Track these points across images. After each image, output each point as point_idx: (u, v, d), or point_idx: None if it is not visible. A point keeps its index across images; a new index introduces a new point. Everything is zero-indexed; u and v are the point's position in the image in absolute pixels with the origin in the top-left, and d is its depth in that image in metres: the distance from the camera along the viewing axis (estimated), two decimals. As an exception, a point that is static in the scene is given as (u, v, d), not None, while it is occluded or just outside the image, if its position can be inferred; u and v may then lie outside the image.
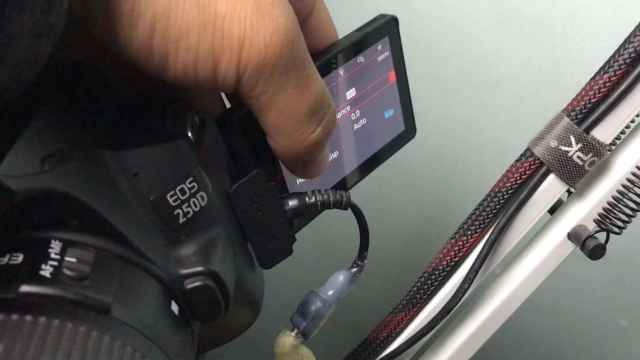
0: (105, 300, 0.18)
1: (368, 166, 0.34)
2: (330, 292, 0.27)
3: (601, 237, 0.28)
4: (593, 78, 0.26)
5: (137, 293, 0.19)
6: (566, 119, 0.26)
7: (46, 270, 0.17)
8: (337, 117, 0.31)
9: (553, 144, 0.27)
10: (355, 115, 0.32)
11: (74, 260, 0.18)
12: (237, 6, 0.20)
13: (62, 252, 0.18)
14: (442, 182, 0.71)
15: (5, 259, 0.18)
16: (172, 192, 0.21)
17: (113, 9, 0.19)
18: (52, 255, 0.18)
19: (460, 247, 0.29)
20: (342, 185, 0.32)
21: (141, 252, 0.20)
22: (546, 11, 0.56)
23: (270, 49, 0.20)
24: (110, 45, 0.20)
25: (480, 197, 0.29)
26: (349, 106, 0.32)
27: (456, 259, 0.29)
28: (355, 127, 0.32)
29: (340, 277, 0.28)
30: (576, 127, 0.26)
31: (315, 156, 0.25)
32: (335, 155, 0.32)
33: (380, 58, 0.32)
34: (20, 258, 0.18)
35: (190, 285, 0.21)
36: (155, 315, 0.19)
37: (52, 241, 0.18)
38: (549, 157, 0.27)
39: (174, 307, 0.21)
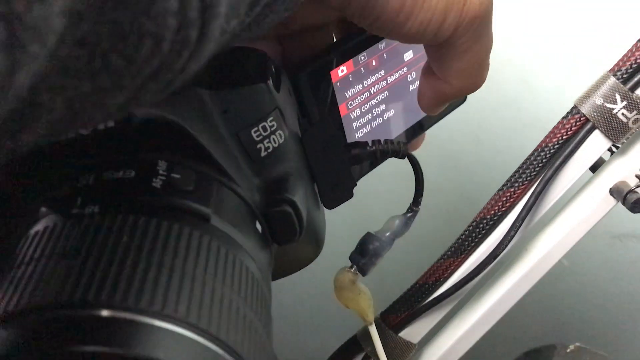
0: (205, 210, 0.21)
1: (418, 128, 0.36)
2: (387, 234, 0.30)
3: (642, 193, 0.30)
4: (639, 39, 0.28)
5: (230, 209, 0.22)
6: (612, 78, 0.28)
7: (157, 183, 0.20)
8: (395, 77, 0.34)
9: (599, 101, 0.29)
10: (411, 76, 0.34)
11: (178, 176, 0.21)
12: None
13: (169, 170, 0.21)
14: (483, 164, 0.73)
15: (120, 173, 0.21)
16: (256, 128, 0.24)
17: None
18: (160, 172, 0.21)
19: (508, 197, 0.31)
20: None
21: (231, 177, 0.23)
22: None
23: (483, 6, 0.22)
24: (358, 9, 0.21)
25: None
26: (406, 67, 0.34)
27: (503, 209, 0.31)
28: (411, 87, 0.35)
29: (396, 221, 0.30)
30: (622, 85, 0.28)
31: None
32: (391, 113, 0.34)
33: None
34: (133, 173, 0.21)
35: (271, 209, 0.24)
36: (244, 229, 0.22)
37: (159, 161, 0.21)
38: (595, 114, 0.29)
39: (258, 227, 0.23)
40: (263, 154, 0.25)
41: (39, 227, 0.20)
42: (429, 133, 0.37)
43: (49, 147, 0.20)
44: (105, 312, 0.16)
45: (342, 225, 0.59)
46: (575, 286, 0.73)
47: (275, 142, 0.25)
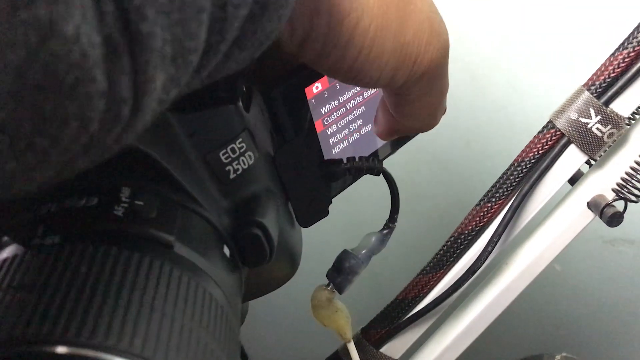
0: (168, 238, 0.20)
1: (401, 138, 0.36)
2: (363, 251, 0.30)
3: (620, 206, 0.30)
4: (613, 54, 0.28)
5: (196, 234, 0.22)
6: (586, 93, 0.28)
7: (118, 211, 0.20)
8: (372, 91, 0.33)
9: (573, 116, 0.28)
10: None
11: (141, 203, 0.21)
12: (421, 32, 0.22)
13: (132, 197, 0.21)
14: (473, 168, 0.73)
15: (83, 202, 0.21)
16: (224, 150, 0.24)
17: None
18: (123, 199, 0.21)
19: (485, 212, 0.31)
20: (375, 157, 0.35)
21: (198, 201, 0.23)
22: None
23: (434, 63, 0.23)
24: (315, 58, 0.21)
25: None
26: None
27: (481, 224, 0.31)
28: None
29: (373, 238, 0.30)
30: (595, 100, 0.28)
31: None
32: (368, 128, 0.34)
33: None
34: (95, 200, 0.21)
35: (239, 232, 0.24)
36: (211, 254, 0.22)
37: (123, 188, 0.21)
38: (570, 128, 0.29)
39: (226, 251, 0.23)
40: (232, 176, 0.24)
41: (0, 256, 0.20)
42: (417, 137, 0.37)
43: None
44: (58, 349, 0.16)
45: (318, 243, 0.59)
46: (567, 291, 0.73)
47: (244, 164, 0.25)
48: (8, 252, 0.19)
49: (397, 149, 0.36)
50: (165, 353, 0.17)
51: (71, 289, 0.17)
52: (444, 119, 0.39)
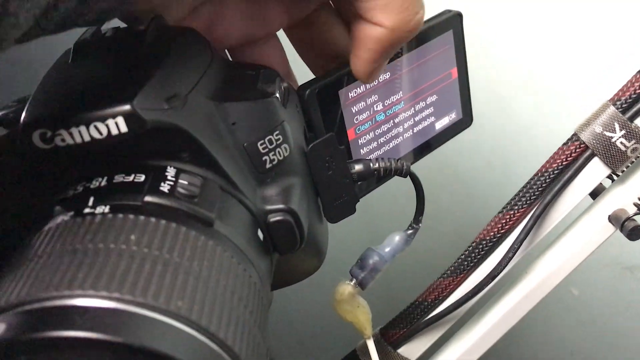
0: (210, 215, 0.22)
1: (424, 149, 0.37)
2: (387, 250, 0.31)
3: (640, 221, 0.31)
4: (639, 71, 0.29)
5: (233, 216, 0.23)
6: (612, 108, 0.29)
7: (165, 187, 0.22)
8: (400, 107, 0.35)
9: (598, 129, 0.29)
10: (415, 108, 0.35)
11: (185, 182, 0.22)
12: None
13: (177, 176, 0.22)
14: (493, 188, 0.74)
15: (131, 178, 0.22)
16: (262, 141, 0.25)
17: None
18: (169, 177, 0.22)
19: (507, 220, 0.32)
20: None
21: (236, 186, 0.24)
22: (611, 20, 0.58)
23: None
24: None
25: None
26: (410, 98, 0.35)
27: (503, 231, 0.32)
28: (415, 118, 0.36)
29: (397, 237, 0.31)
30: (621, 115, 0.29)
31: (405, 41, 0.25)
32: (399, 140, 0.35)
33: (443, 52, 0.36)
34: (142, 177, 0.22)
35: (273, 219, 0.25)
36: (247, 236, 0.23)
37: (168, 167, 0.23)
38: (594, 141, 0.30)
39: (260, 235, 0.24)
40: (268, 165, 0.26)
41: (52, 224, 0.21)
42: (441, 156, 0.38)
43: (65, 154, 0.21)
44: (105, 303, 0.17)
45: (344, 239, 0.60)
46: (584, 317, 0.73)
47: (280, 155, 0.26)
48: (60, 219, 0.21)
49: (419, 159, 0.37)
50: (209, 318, 0.18)
51: (123, 257, 0.19)
52: (467, 137, 0.40)
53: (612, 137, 0.29)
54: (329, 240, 0.31)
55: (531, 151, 0.69)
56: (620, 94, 0.29)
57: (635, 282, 0.69)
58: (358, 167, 0.30)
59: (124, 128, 0.21)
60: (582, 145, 0.30)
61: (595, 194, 0.32)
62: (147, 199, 0.21)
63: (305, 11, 0.29)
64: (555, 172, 0.31)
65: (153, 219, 0.20)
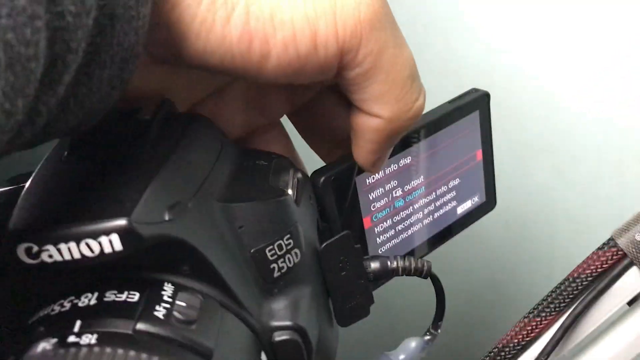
0: (208, 345, 0.19)
1: (444, 235, 0.35)
2: (402, 357, 0.28)
3: (680, 335, 0.28)
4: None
5: (234, 340, 0.21)
6: (654, 215, 0.27)
7: (160, 312, 0.19)
8: (420, 192, 0.32)
9: (638, 237, 0.27)
10: (436, 193, 0.33)
11: (183, 304, 0.20)
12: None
13: (174, 295, 0.20)
14: (508, 249, 0.71)
15: (124, 296, 0.20)
16: (271, 246, 0.23)
17: (187, 16, 0.19)
18: (165, 298, 0.20)
19: (534, 327, 0.29)
20: (416, 252, 0.34)
21: (239, 301, 0.22)
22: (635, 88, 0.56)
23: (363, 5, 0.20)
24: (196, 58, 0.20)
25: (545, 268, 0.29)
26: (432, 182, 0.33)
27: (528, 339, 0.29)
28: (436, 204, 0.33)
29: (413, 344, 0.29)
30: (664, 224, 0.26)
31: (405, 130, 0.24)
32: (417, 227, 0.33)
33: (468, 133, 0.34)
34: (136, 297, 0.20)
35: (278, 338, 0.22)
36: (248, 362, 0.21)
37: (165, 284, 0.20)
38: (634, 249, 0.27)
39: (263, 358, 0.22)
40: (276, 274, 0.23)
41: (32, 352, 0.19)
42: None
43: (54, 270, 0.19)
44: None
45: (355, 343, 0.57)
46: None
47: (290, 262, 0.24)
48: (42, 347, 0.19)
49: (439, 245, 0.35)
50: None
51: None
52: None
53: (653, 248, 0.27)
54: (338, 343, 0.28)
55: (549, 214, 0.66)
56: (664, 201, 0.27)
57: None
58: (374, 265, 0.28)
59: (118, 246, 0.19)
60: (620, 252, 0.28)
61: (633, 300, 0.30)
62: (139, 326, 0.19)
63: (308, 96, 0.28)
64: (589, 278, 0.28)
65: (144, 356, 0.18)
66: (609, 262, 0.28)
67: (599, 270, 0.28)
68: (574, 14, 0.56)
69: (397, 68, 0.22)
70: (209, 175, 0.23)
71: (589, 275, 0.28)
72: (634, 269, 0.28)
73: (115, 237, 0.19)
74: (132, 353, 0.18)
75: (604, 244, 0.29)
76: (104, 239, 0.19)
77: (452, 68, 0.63)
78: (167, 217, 0.20)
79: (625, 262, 0.28)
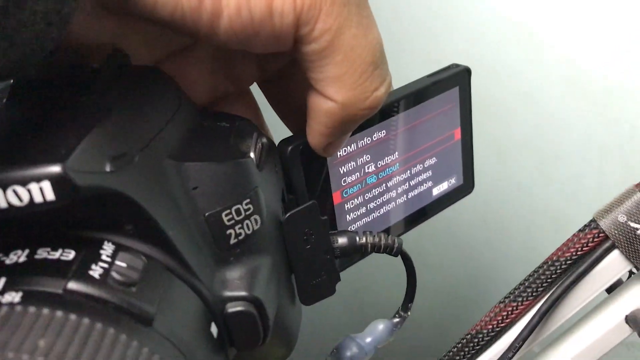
0: (149, 310, 0.17)
1: (418, 217, 0.33)
2: (368, 340, 0.26)
3: (661, 324, 0.27)
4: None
5: (180, 308, 0.19)
6: (638, 194, 0.25)
7: (95, 271, 0.17)
8: (394, 169, 0.31)
9: (622, 218, 0.26)
10: (411, 171, 0.32)
11: (124, 265, 0.18)
12: None
13: (114, 255, 0.18)
14: (487, 246, 0.70)
15: (57, 254, 0.18)
16: (228, 211, 0.21)
17: None
18: (103, 257, 0.18)
19: (509, 312, 0.27)
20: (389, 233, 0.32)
21: (189, 267, 0.20)
22: (617, 83, 0.55)
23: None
24: (146, 9, 0.19)
25: (523, 265, 0.28)
26: (407, 159, 0.31)
27: (503, 324, 0.28)
28: (410, 183, 0.32)
29: (381, 326, 0.27)
30: (649, 204, 0.25)
31: (361, 119, 0.22)
32: (391, 205, 0.31)
33: (446, 110, 0.32)
34: (71, 255, 0.18)
35: (232, 309, 0.20)
36: (194, 334, 0.19)
37: (105, 242, 0.18)
38: (616, 232, 0.26)
39: (213, 329, 0.20)
40: (232, 241, 0.21)
41: None
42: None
43: None
44: None
45: (319, 324, 0.55)
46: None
47: (248, 229, 0.22)
48: None
49: (412, 227, 0.33)
50: None
51: None
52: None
53: (637, 229, 0.25)
54: (301, 323, 0.27)
55: (529, 211, 0.65)
56: (649, 180, 0.25)
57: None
58: (342, 240, 0.26)
59: (50, 196, 0.17)
60: (601, 235, 0.26)
61: (611, 288, 0.28)
62: (71, 286, 0.17)
63: (278, 65, 0.26)
64: (568, 262, 0.27)
65: (73, 316, 0.16)
66: (590, 244, 0.26)
67: (579, 253, 0.26)
68: (558, 10, 0.55)
69: (358, 51, 0.20)
70: (162, 131, 0.21)
71: (568, 258, 0.27)
72: (615, 252, 0.26)
73: (46, 185, 0.17)
74: (59, 313, 0.16)
75: (585, 225, 0.27)
76: (34, 187, 0.17)
77: (434, 59, 0.61)
78: (108, 168, 0.18)
79: (607, 244, 0.26)
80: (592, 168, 0.60)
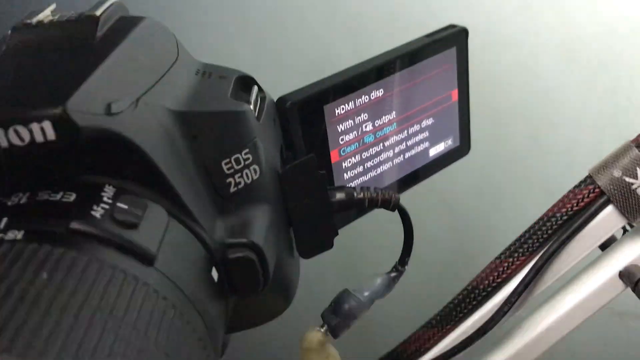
0: (150, 250, 0.17)
1: (414, 177, 0.33)
2: (366, 294, 0.27)
3: (654, 280, 0.27)
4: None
5: (182, 251, 0.19)
6: (635, 151, 0.26)
7: (97, 212, 0.17)
8: (391, 129, 0.31)
9: (617, 173, 0.26)
10: (408, 131, 0.32)
11: (125, 206, 0.18)
12: None
13: (115, 197, 0.18)
14: (482, 216, 0.70)
15: (59, 196, 0.18)
16: (228, 159, 0.21)
17: None
18: (105, 199, 0.18)
19: (505, 268, 0.28)
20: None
21: (190, 213, 0.20)
22: (614, 53, 0.55)
23: None
24: None
25: (516, 235, 0.28)
26: (404, 119, 0.31)
27: (499, 279, 0.28)
28: (407, 143, 0.32)
29: (378, 280, 0.27)
30: (644, 159, 0.25)
31: None
32: (387, 166, 0.31)
33: (444, 71, 0.32)
34: (72, 197, 0.18)
35: (232, 255, 0.21)
36: (195, 276, 0.19)
37: (106, 186, 0.18)
38: (611, 187, 0.26)
39: (214, 274, 0.20)
40: (232, 189, 0.22)
41: None
42: (429, 180, 0.34)
43: None
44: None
45: (317, 277, 0.56)
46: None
47: (248, 178, 0.22)
48: None
49: (408, 187, 0.33)
50: None
51: (25, 299, 0.15)
52: (458, 166, 0.36)
53: (632, 184, 0.26)
54: (300, 277, 0.27)
55: (524, 181, 0.66)
56: (645, 135, 0.26)
57: (623, 329, 0.66)
58: (339, 195, 0.26)
59: (51, 135, 0.17)
60: (596, 190, 0.26)
61: (604, 245, 0.28)
62: (73, 225, 0.17)
63: None
64: (564, 217, 0.27)
65: (73, 253, 0.16)
66: (585, 199, 0.26)
67: (574, 208, 0.27)
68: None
69: None
70: (162, 78, 0.21)
71: (564, 214, 0.27)
72: (609, 207, 0.27)
73: (47, 125, 0.17)
74: (59, 250, 0.16)
75: (580, 182, 0.27)
76: (35, 126, 0.17)
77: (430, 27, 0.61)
78: (108, 111, 0.18)
79: (602, 199, 0.27)
80: (587, 137, 0.60)
